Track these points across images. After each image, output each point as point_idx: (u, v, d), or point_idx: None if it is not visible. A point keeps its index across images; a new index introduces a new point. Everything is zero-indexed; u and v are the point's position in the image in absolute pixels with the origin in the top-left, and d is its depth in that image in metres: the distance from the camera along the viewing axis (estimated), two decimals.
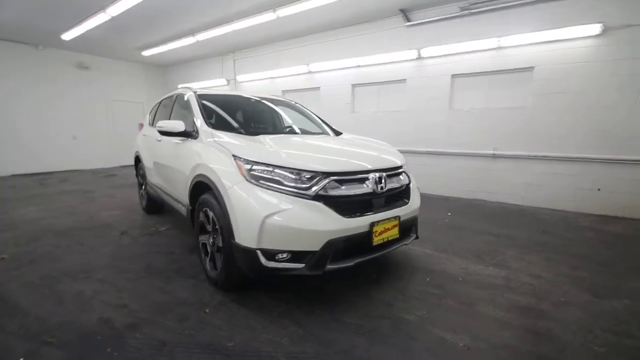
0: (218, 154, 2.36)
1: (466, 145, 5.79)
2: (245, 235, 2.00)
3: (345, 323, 2.06)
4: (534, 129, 5.14)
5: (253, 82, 8.81)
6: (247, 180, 2.08)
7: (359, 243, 2.15)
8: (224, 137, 2.52)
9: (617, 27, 4.38)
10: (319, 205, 2.03)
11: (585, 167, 4.84)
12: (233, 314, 2.14)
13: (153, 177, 3.92)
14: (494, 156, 5.54)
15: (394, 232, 2.34)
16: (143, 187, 4.62)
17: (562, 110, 4.89)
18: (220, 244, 2.25)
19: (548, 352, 1.84)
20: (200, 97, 3.22)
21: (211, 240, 2.45)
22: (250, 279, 2.32)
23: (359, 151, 2.62)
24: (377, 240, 2.21)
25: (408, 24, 6.02)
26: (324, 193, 2.06)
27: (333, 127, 3.71)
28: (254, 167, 2.11)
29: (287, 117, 3.73)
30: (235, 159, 2.20)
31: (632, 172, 4.52)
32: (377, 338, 1.92)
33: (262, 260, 1.98)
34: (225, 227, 2.16)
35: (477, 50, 5.46)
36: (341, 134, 3.50)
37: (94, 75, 9.55)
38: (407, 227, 2.53)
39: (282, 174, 2.07)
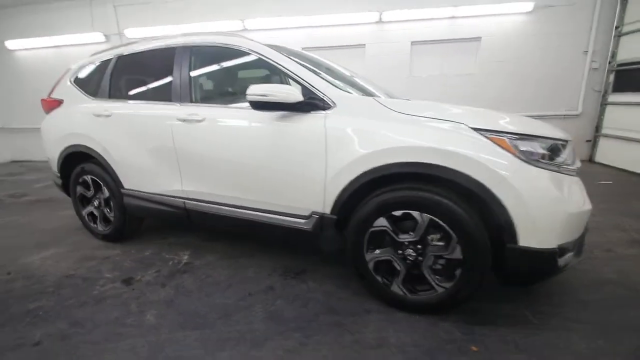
0: (434, 131, 1.61)
1: None
2: (542, 234, 1.50)
3: None
4: (481, 94, 5.95)
5: None
6: (524, 161, 1.52)
7: None
8: (411, 105, 1.76)
9: (542, 7, 5.41)
10: (579, 181, 1.72)
11: None
12: (504, 340, 1.63)
13: (159, 183, 2.44)
14: None
15: None
16: (99, 202, 2.84)
17: (504, 76, 5.82)
18: (459, 255, 1.62)
19: None
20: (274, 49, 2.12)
21: (412, 253, 1.74)
22: None
23: None
24: None
25: None
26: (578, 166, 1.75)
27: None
28: (522, 142, 1.56)
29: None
30: (484, 134, 1.55)
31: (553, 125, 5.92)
32: None
33: (558, 259, 1.55)
34: (479, 232, 1.56)
35: (434, 18, 5.73)
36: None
37: None
38: None
39: (548, 148, 1.61)
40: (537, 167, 1.53)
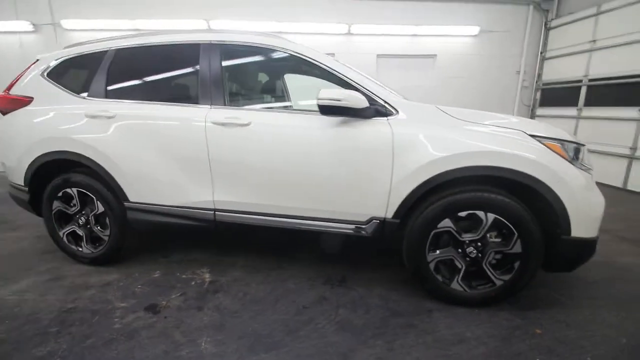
0: (501, 137, 1.77)
1: None
2: (589, 224, 1.76)
3: None
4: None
5: (97, 34, 5.75)
6: (571, 163, 1.76)
7: None
8: (470, 113, 1.90)
9: (486, 31, 6.26)
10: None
11: None
12: (555, 320, 1.85)
13: (181, 194, 2.17)
14: None
15: None
16: (86, 219, 2.39)
17: (454, 89, 6.53)
18: (519, 249, 1.80)
19: None
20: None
21: (473, 250, 1.87)
22: None
23: None
24: None
25: None
26: None
27: None
28: (567, 147, 1.81)
29: None
30: (539, 140, 1.77)
31: None
32: None
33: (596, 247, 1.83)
34: (535, 227, 1.76)
35: (398, 34, 6.20)
36: None
37: None
38: None
39: (575, 150, 1.89)
40: (577, 167, 1.79)
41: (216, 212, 2.16)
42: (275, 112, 2.05)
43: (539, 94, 6.44)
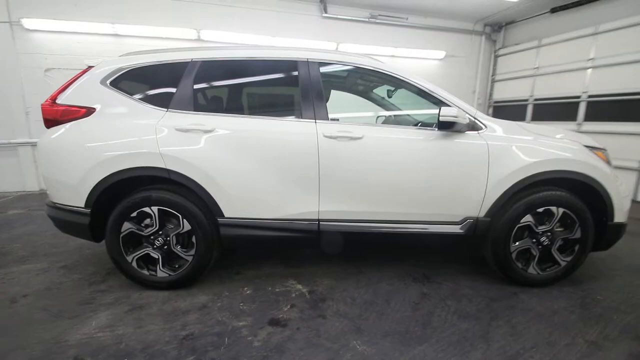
0: (570, 147, 2.24)
1: None
2: (624, 212, 2.31)
3: None
4: None
5: (69, 37, 5.11)
6: (609, 165, 2.31)
7: None
8: (541, 128, 2.37)
9: (449, 56, 7.20)
10: None
11: None
12: (607, 289, 2.36)
13: (286, 206, 2.19)
14: None
15: None
16: (165, 240, 2.21)
17: None
18: (579, 235, 2.27)
19: None
20: None
21: (545, 239, 2.28)
22: None
23: None
24: None
25: (325, 15, 6.22)
26: None
27: None
28: (605, 153, 2.35)
29: None
30: (591, 150, 2.28)
31: None
32: None
33: None
34: (589, 216, 2.25)
35: (379, 54, 6.74)
36: None
37: None
38: None
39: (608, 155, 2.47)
40: (611, 169, 2.36)
41: (320, 222, 2.23)
42: (382, 126, 2.23)
43: (491, 110, 7.60)
